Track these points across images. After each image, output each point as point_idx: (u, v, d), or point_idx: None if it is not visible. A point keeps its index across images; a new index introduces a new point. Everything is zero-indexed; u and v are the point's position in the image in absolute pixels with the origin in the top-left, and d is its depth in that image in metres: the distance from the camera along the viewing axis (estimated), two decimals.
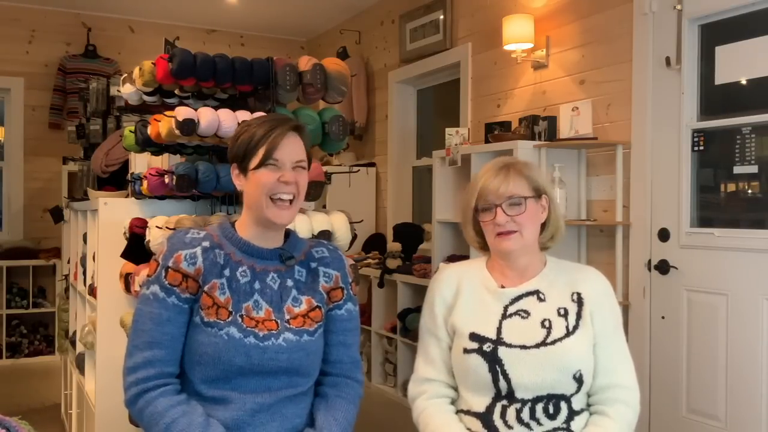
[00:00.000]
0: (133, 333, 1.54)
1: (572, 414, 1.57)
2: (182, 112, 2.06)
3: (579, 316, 1.61)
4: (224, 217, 2.15)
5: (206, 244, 1.56)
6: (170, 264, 1.53)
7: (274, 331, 1.53)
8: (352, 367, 1.69)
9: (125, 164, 2.99)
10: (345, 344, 1.67)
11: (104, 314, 2.44)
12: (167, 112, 2.14)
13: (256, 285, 1.57)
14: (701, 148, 2.95)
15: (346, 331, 1.68)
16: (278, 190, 1.54)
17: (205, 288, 1.53)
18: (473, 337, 1.60)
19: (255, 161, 1.54)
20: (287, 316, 1.57)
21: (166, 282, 1.52)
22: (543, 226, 1.69)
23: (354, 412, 1.66)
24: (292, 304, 1.59)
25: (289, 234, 1.67)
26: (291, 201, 1.56)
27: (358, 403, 1.68)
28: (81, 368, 3.01)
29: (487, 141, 3.68)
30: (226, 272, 1.55)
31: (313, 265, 1.65)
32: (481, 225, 1.68)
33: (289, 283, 1.60)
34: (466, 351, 1.60)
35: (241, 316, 1.53)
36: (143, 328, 1.52)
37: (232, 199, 2.29)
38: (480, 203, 1.66)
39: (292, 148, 1.56)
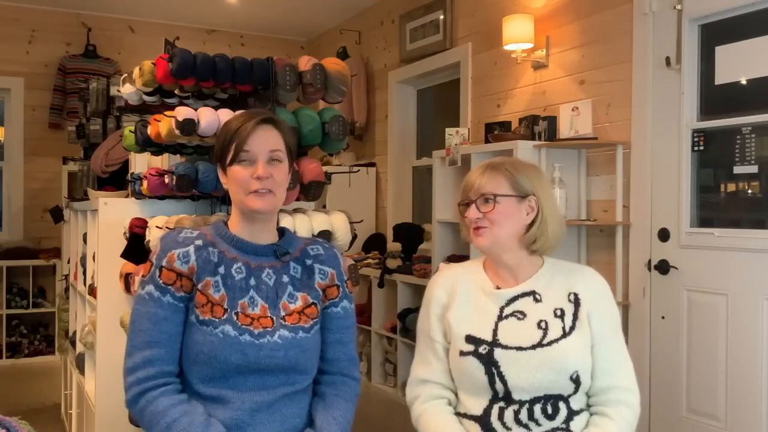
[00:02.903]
0: (131, 333, 1.54)
1: (571, 414, 1.56)
2: (182, 112, 2.06)
3: (575, 316, 1.61)
4: (224, 216, 2.15)
5: (199, 242, 1.57)
6: (164, 263, 1.53)
7: (269, 329, 1.53)
8: (349, 364, 1.68)
9: (125, 164, 2.99)
10: (342, 342, 1.67)
11: (104, 314, 2.44)
12: (167, 112, 2.14)
13: (252, 281, 1.57)
14: (701, 148, 2.95)
15: (343, 328, 1.67)
16: (254, 187, 1.53)
17: (199, 286, 1.53)
18: (469, 339, 1.60)
19: (229, 157, 1.56)
20: (283, 313, 1.57)
21: (161, 281, 1.52)
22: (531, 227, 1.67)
23: (352, 410, 1.66)
24: (288, 300, 1.59)
25: (284, 232, 1.68)
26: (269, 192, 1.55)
27: (356, 401, 1.68)
28: (81, 368, 3.01)
29: (487, 141, 3.68)
30: (221, 269, 1.56)
31: (309, 262, 1.65)
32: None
33: (285, 279, 1.60)
34: (462, 354, 1.59)
35: (237, 313, 1.53)
36: (141, 327, 1.53)
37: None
38: (462, 199, 1.69)
39: (263, 140, 1.55)
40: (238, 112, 1.93)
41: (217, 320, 1.51)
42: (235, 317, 1.52)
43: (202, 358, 1.50)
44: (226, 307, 1.53)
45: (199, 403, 1.52)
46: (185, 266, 1.53)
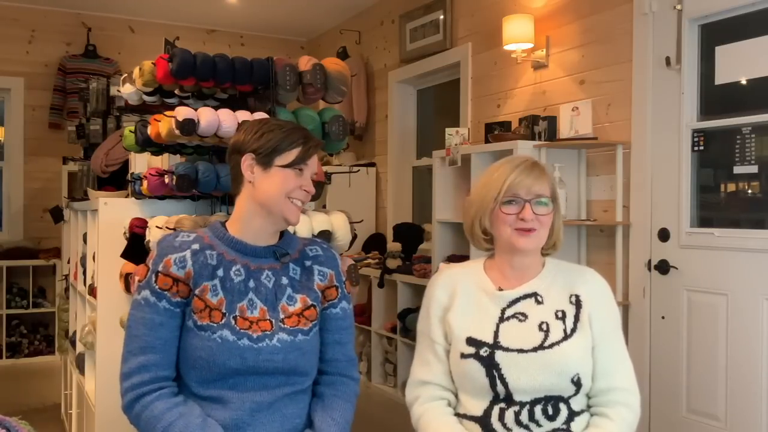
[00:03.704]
0: (127, 338, 1.55)
1: (572, 415, 1.56)
2: (182, 112, 2.06)
3: (577, 318, 1.60)
4: (224, 217, 2.15)
5: (196, 246, 1.57)
6: (160, 269, 1.53)
7: (268, 332, 1.53)
8: (347, 365, 1.69)
9: (125, 164, 2.99)
10: (340, 342, 1.67)
11: (104, 314, 2.44)
12: (167, 112, 2.14)
13: (251, 283, 1.57)
14: (701, 148, 2.95)
15: (342, 329, 1.68)
16: (297, 195, 1.59)
17: (196, 291, 1.53)
18: (470, 341, 1.59)
19: (285, 160, 1.57)
20: (282, 315, 1.57)
21: (157, 287, 1.53)
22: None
23: (351, 410, 1.66)
24: (287, 302, 1.59)
25: (283, 233, 1.68)
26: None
27: (355, 401, 1.69)
28: (81, 368, 3.01)
29: (487, 141, 3.68)
30: (219, 272, 1.55)
31: (308, 263, 1.65)
32: (499, 217, 1.62)
33: (284, 281, 1.60)
34: (463, 356, 1.59)
35: (235, 317, 1.53)
36: (136, 333, 1.53)
37: (233, 199, 2.29)
38: (506, 196, 1.61)
39: (315, 162, 1.64)
40: (259, 115, 1.93)
41: (215, 325, 1.51)
42: (233, 321, 1.52)
43: (200, 363, 1.50)
44: (224, 311, 1.53)
45: (195, 404, 1.52)
46: (182, 271, 1.53)
